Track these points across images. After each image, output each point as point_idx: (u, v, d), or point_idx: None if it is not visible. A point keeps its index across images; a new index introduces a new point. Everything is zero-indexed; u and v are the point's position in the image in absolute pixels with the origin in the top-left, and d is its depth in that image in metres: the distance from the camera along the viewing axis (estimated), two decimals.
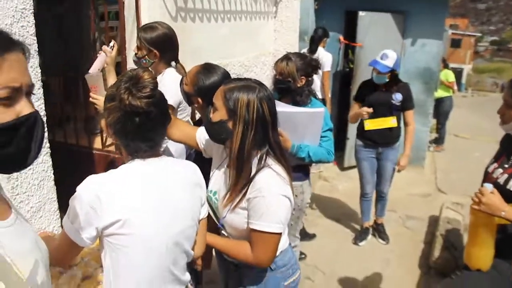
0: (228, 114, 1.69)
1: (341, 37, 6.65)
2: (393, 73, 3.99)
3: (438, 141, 8.60)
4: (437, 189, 6.29)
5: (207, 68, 2.21)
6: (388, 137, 4.17)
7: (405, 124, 4.17)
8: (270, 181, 1.69)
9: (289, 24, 5.11)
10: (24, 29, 1.77)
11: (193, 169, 1.60)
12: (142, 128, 1.38)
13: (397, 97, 4.03)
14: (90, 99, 2.16)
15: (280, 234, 1.71)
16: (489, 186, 1.99)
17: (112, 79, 2.58)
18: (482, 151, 8.21)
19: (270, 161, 1.73)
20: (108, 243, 1.37)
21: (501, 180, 2.13)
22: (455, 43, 35.64)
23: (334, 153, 2.92)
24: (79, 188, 1.34)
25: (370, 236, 4.64)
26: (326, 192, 5.92)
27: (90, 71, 2.55)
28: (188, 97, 2.25)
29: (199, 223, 1.62)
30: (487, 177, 2.23)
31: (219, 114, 1.72)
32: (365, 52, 6.24)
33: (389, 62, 3.88)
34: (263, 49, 4.85)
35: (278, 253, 1.83)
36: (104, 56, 2.48)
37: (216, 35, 3.76)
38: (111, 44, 2.49)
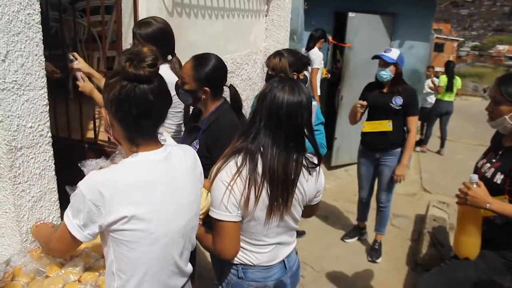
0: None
1: (330, 38, 6.71)
2: (397, 71, 3.81)
3: (423, 141, 8.71)
4: (422, 189, 6.39)
5: (199, 58, 2.22)
6: (384, 142, 3.99)
7: (406, 130, 3.96)
8: (221, 169, 1.70)
9: (280, 22, 5.13)
10: (30, 17, 1.75)
11: (194, 155, 1.59)
12: (144, 101, 1.32)
13: (397, 101, 3.84)
14: None
15: (230, 222, 1.68)
16: (474, 176, 2.07)
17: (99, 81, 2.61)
18: (465, 153, 8.44)
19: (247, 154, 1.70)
20: (112, 238, 1.34)
21: (489, 174, 2.23)
22: (438, 48, 36.12)
23: (326, 146, 2.95)
24: (80, 185, 1.30)
25: (358, 236, 4.64)
26: None
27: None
28: (193, 94, 2.22)
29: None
30: (476, 171, 2.31)
31: None
32: (354, 53, 6.32)
33: (393, 55, 3.76)
34: (254, 47, 4.87)
35: (251, 264, 1.81)
36: (80, 73, 2.49)
37: (210, 31, 3.76)
38: (71, 58, 2.48)
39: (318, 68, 5.77)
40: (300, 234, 4.52)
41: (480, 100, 19.42)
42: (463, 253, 2.19)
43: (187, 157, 1.55)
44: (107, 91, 1.35)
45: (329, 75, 6.74)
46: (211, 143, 2.20)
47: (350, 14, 6.16)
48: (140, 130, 1.38)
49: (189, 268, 1.61)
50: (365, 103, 3.85)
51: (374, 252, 4.31)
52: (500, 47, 72.98)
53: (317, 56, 5.74)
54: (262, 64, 5.09)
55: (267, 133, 1.68)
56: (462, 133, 10.53)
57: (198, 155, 2.21)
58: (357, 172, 4.40)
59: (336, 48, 7.15)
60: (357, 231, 4.67)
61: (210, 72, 2.19)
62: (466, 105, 17.40)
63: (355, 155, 4.34)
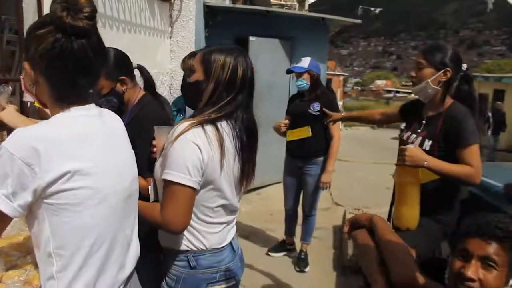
0: (204, 75, 1.63)
1: None
2: (312, 78, 3.86)
3: None
4: (334, 203, 6.57)
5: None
6: (305, 150, 3.97)
7: (330, 136, 3.93)
8: (187, 129, 1.52)
9: (185, 43, 5.09)
10: None
11: (121, 121, 1.44)
12: (81, 56, 1.16)
13: (315, 106, 3.84)
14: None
15: (188, 187, 1.50)
16: (411, 146, 2.16)
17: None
18: (364, 170, 9.06)
19: (216, 122, 1.59)
20: (47, 207, 1.10)
21: (416, 143, 2.32)
22: (327, 83, 38.40)
23: None
24: (6, 143, 1.07)
25: (286, 252, 4.54)
26: None
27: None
28: (114, 92, 2.12)
29: None
30: (403, 144, 2.38)
31: (196, 75, 1.66)
32: (257, 76, 6.31)
33: (304, 64, 3.85)
34: (161, 68, 4.76)
35: (203, 248, 1.65)
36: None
37: (118, 44, 3.56)
38: None
39: None
40: None
41: (367, 129, 21.21)
42: (404, 224, 2.23)
43: (117, 119, 1.41)
44: (35, 44, 1.15)
45: None
46: (137, 135, 2.03)
47: (251, 38, 6.30)
48: (75, 88, 1.20)
49: (136, 247, 1.41)
50: (287, 121, 3.92)
51: (301, 262, 4.26)
52: (379, 82, 79.59)
53: None
54: (168, 86, 4.99)
55: (239, 100, 1.64)
56: (357, 155, 11.39)
57: None
58: (283, 183, 4.37)
59: None
60: (284, 246, 4.59)
61: (117, 61, 2.11)
62: (356, 133, 19.03)
63: (266, 178, 4.26)
